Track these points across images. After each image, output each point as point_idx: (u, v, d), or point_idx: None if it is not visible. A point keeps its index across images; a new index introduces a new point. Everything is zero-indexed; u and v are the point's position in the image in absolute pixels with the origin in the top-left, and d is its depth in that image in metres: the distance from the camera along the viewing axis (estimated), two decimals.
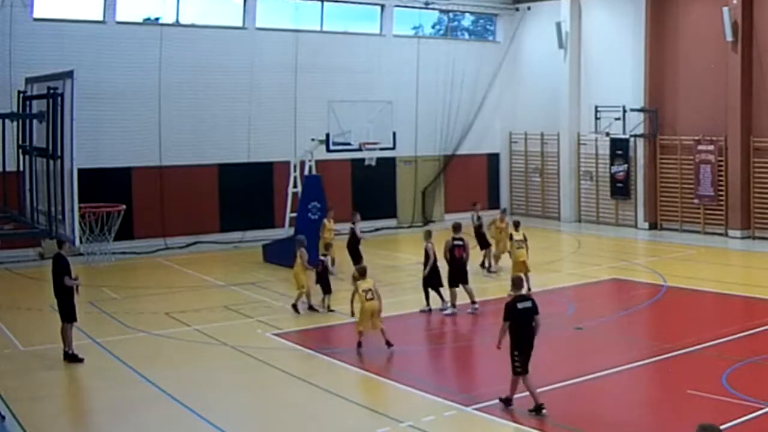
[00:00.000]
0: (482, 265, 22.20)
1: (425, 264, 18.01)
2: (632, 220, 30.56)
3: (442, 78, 32.39)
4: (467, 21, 35.63)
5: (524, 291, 12.23)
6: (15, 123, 12.79)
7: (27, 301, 19.53)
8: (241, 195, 28.17)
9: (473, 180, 34.07)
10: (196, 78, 27.44)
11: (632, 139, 30.00)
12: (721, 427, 10.58)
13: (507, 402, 11.86)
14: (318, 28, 30.51)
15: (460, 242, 18.24)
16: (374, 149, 24.34)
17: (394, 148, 25.30)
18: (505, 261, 21.24)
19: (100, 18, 26.16)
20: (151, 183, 26.84)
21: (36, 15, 24.80)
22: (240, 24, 28.94)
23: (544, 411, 11.56)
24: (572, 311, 18.00)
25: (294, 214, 24.14)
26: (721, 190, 27.66)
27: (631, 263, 24.18)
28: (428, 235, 18.48)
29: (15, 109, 14.51)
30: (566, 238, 29.54)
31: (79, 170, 10.33)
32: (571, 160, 32.36)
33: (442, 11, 33.61)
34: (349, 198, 30.00)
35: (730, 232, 27.46)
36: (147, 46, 26.55)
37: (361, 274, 15.57)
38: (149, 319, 17.63)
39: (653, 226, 29.81)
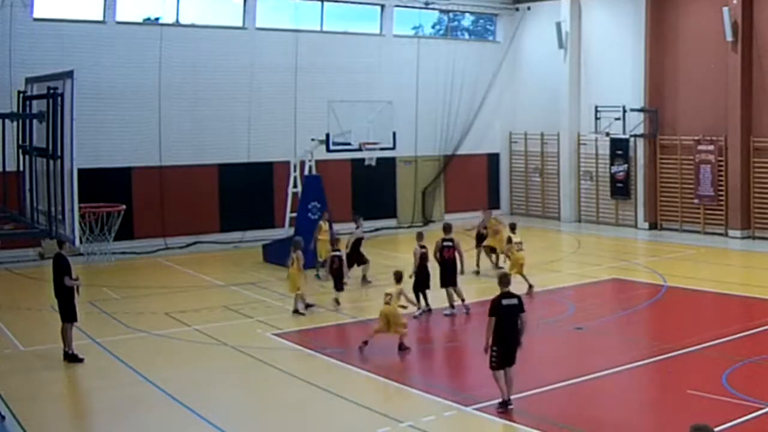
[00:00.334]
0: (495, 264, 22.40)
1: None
2: (632, 220, 30.56)
3: (442, 78, 32.39)
4: (467, 21, 35.64)
5: (511, 288, 12.28)
6: (15, 123, 12.79)
7: (27, 301, 19.53)
8: (241, 195, 28.17)
9: (473, 180, 34.08)
10: (196, 78, 27.45)
11: (632, 139, 30.00)
12: (721, 427, 10.67)
13: (506, 402, 11.86)
14: (318, 28, 30.51)
15: (450, 243, 18.26)
16: (374, 149, 24.34)
17: (394, 148, 25.30)
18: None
19: (100, 18, 26.17)
20: (151, 183, 26.84)
21: (36, 15, 24.80)
22: (240, 24, 28.94)
23: (510, 407, 11.69)
24: (572, 311, 18.00)
25: (294, 214, 24.15)
26: (721, 190, 27.66)
27: (631, 263, 24.18)
28: (419, 237, 18.45)
29: (15, 109, 14.51)
30: (566, 238, 29.54)
31: (79, 170, 10.32)
32: (571, 160, 32.36)
33: (442, 11, 33.61)
34: (349, 198, 30.02)
35: (730, 232, 27.46)
36: (147, 46, 26.56)
37: (398, 279, 15.62)
38: (149, 319, 17.63)
39: (653, 226, 29.81)
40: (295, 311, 17.92)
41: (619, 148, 30.51)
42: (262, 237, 26.46)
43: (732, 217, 27.42)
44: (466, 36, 35.66)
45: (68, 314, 14.58)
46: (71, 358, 14.50)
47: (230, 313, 18.20)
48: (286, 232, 24.30)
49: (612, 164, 30.95)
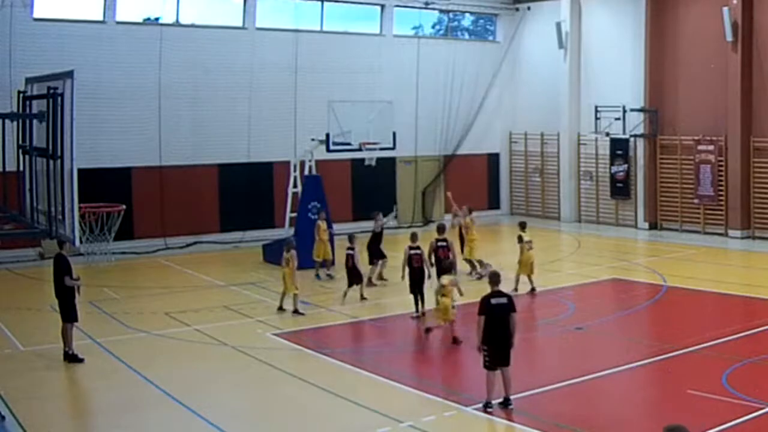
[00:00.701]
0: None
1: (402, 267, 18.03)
2: (632, 220, 30.56)
3: (442, 78, 32.39)
4: (467, 21, 35.64)
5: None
6: (15, 123, 12.79)
7: (27, 301, 19.53)
8: (241, 195, 28.18)
9: (473, 180, 34.07)
10: (196, 78, 27.45)
11: (632, 139, 30.00)
12: (721, 427, 10.68)
13: (506, 402, 11.86)
14: (318, 28, 30.52)
15: (444, 243, 18.29)
16: (374, 149, 24.33)
17: (394, 148, 25.29)
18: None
19: (100, 18, 26.18)
20: (151, 183, 26.84)
21: (36, 15, 24.81)
22: (240, 24, 28.94)
23: (489, 410, 11.72)
24: (572, 311, 18.00)
25: (294, 214, 24.16)
26: (721, 190, 27.66)
27: (631, 263, 24.18)
28: (413, 237, 18.36)
29: (15, 109, 14.52)
30: (566, 238, 29.53)
31: (79, 170, 10.34)
32: (571, 160, 32.36)
33: (442, 11, 33.62)
34: (349, 198, 30.03)
35: (730, 232, 27.47)
36: (147, 46, 26.56)
37: (448, 270, 16.00)
38: (149, 319, 17.63)
39: (653, 226, 29.81)
40: (295, 311, 17.92)
41: (619, 148, 30.51)
42: (262, 237, 26.46)
43: (732, 217, 27.42)
44: (466, 36, 35.67)
45: (69, 314, 14.59)
46: (71, 358, 14.50)
47: (230, 313, 18.20)
48: (286, 232, 24.30)
49: (612, 164, 30.95)
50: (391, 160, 30.39)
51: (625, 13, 30.37)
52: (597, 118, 29.98)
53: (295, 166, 24.93)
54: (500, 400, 11.88)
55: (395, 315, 18.26)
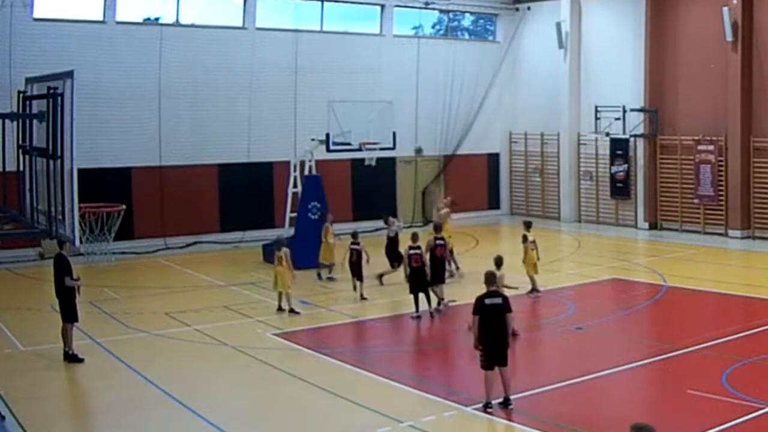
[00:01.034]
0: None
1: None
2: (632, 220, 30.56)
3: (442, 78, 32.39)
4: (467, 21, 35.64)
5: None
6: (15, 123, 12.79)
7: (27, 301, 19.53)
8: (241, 195, 28.17)
9: (473, 180, 34.09)
10: (196, 78, 27.45)
11: (632, 139, 30.00)
12: (721, 427, 10.68)
13: (506, 402, 11.86)
14: (318, 28, 30.51)
15: (441, 242, 18.33)
16: (374, 149, 24.33)
17: (394, 148, 25.28)
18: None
19: (100, 18, 26.18)
20: (151, 183, 26.84)
21: (36, 15, 24.81)
22: (240, 24, 28.94)
23: (489, 410, 11.72)
24: (572, 311, 17.99)
25: (294, 214, 24.15)
26: (721, 190, 27.66)
27: (631, 263, 24.18)
28: (414, 238, 18.33)
29: (15, 109, 14.52)
30: (566, 238, 29.53)
31: (79, 170, 10.33)
32: (571, 160, 32.36)
33: (442, 11, 33.62)
34: (349, 198, 30.03)
35: (730, 232, 27.47)
36: (147, 46, 26.56)
37: (498, 264, 16.11)
38: (149, 319, 17.63)
39: (653, 226, 29.81)
40: (291, 310, 17.93)
41: (619, 148, 30.50)
42: (262, 237, 26.45)
43: (732, 217, 27.42)
44: (466, 36, 35.67)
45: (69, 314, 14.58)
46: (71, 358, 14.50)
47: (230, 313, 18.20)
48: (286, 232, 24.30)
49: (612, 164, 30.95)
50: (391, 160, 30.39)
51: (625, 13, 30.37)
52: (597, 118, 29.98)
53: (295, 166, 24.93)
54: (500, 400, 11.88)
55: (395, 315, 18.26)
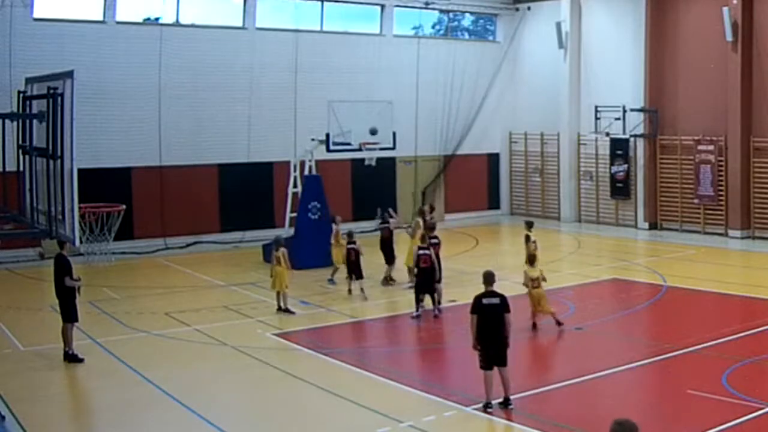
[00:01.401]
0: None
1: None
2: (632, 220, 30.56)
3: (442, 78, 32.39)
4: (467, 21, 35.64)
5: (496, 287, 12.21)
6: (15, 123, 12.80)
7: (27, 301, 19.53)
8: (241, 195, 28.17)
9: (473, 180, 34.10)
10: (196, 78, 27.45)
11: (632, 139, 30.00)
12: (721, 427, 10.68)
13: (506, 402, 11.86)
14: (318, 28, 30.52)
15: (436, 240, 18.43)
16: (374, 149, 24.33)
17: (394, 148, 25.28)
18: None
19: (100, 18, 26.18)
20: (151, 183, 26.84)
21: (36, 15, 24.81)
22: (240, 24, 28.94)
23: (489, 410, 11.71)
24: (572, 311, 17.98)
25: (294, 214, 24.15)
26: (721, 190, 27.66)
27: (631, 263, 24.17)
28: (423, 238, 18.39)
29: (15, 109, 14.54)
30: (566, 238, 29.53)
31: (79, 170, 10.35)
32: (571, 160, 32.36)
33: (442, 11, 33.62)
34: (349, 198, 30.03)
35: (730, 232, 27.47)
36: (147, 46, 26.56)
37: (531, 262, 16.63)
38: (149, 319, 17.63)
39: (653, 226, 29.81)
40: (286, 309, 17.94)
41: (619, 148, 30.51)
42: (262, 237, 26.45)
43: (732, 217, 27.42)
44: (466, 36, 35.67)
45: (69, 314, 14.58)
46: (71, 358, 14.50)
47: (230, 313, 18.20)
48: (286, 232, 24.30)
49: (612, 164, 30.95)
50: (391, 160, 30.39)
51: (625, 13, 30.37)
52: (597, 118, 29.98)
53: (295, 166, 24.92)
54: (500, 400, 11.87)
55: (395, 315, 18.27)
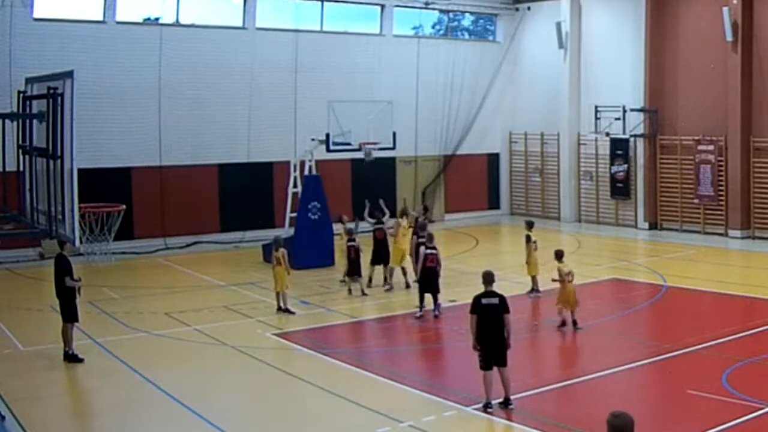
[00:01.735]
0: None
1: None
2: (632, 220, 30.56)
3: (442, 78, 32.40)
4: (467, 21, 35.64)
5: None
6: (15, 123, 12.80)
7: (27, 301, 19.53)
8: (241, 195, 28.17)
9: (473, 180, 34.10)
10: (196, 78, 27.45)
11: (632, 139, 30.00)
12: (721, 427, 10.68)
13: (506, 402, 11.86)
14: (318, 28, 30.52)
15: (424, 239, 18.36)
16: (374, 149, 24.33)
17: (394, 148, 25.29)
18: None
19: (100, 18, 26.18)
20: (151, 183, 26.84)
21: (36, 15, 24.81)
22: (240, 24, 28.95)
23: (489, 410, 11.71)
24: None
25: (294, 214, 24.15)
26: (721, 190, 27.66)
27: (631, 263, 24.17)
28: (430, 238, 18.30)
29: (15, 109, 14.53)
30: (566, 238, 29.50)
31: (79, 170, 10.34)
32: (571, 160, 32.36)
33: (442, 11, 33.62)
34: (349, 198, 30.01)
35: (730, 232, 27.46)
36: (147, 46, 26.56)
37: (559, 257, 16.64)
38: (149, 319, 17.63)
39: (653, 226, 29.80)
40: (285, 310, 17.94)
41: (619, 148, 30.50)
42: (262, 237, 26.44)
43: (732, 217, 27.41)
44: (466, 36, 35.67)
45: (69, 315, 14.58)
46: (71, 358, 14.50)
47: (230, 313, 18.20)
48: (286, 232, 24.29)
49: (612, 164, 30.95)
50: (391, 160, 30.38)
51: (625, 13, 30.37)
52: (597, 118, 29.97)
53: (295, 166, 24.91)
54: (500, 400, 11.87)
55: (395, 315, 18.27)
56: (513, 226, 32.42)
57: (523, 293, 19.13)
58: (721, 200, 27.72)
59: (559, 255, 16.73)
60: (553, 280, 16.64)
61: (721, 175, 27.66)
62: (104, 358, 14.91)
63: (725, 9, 26.44)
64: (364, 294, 19.56)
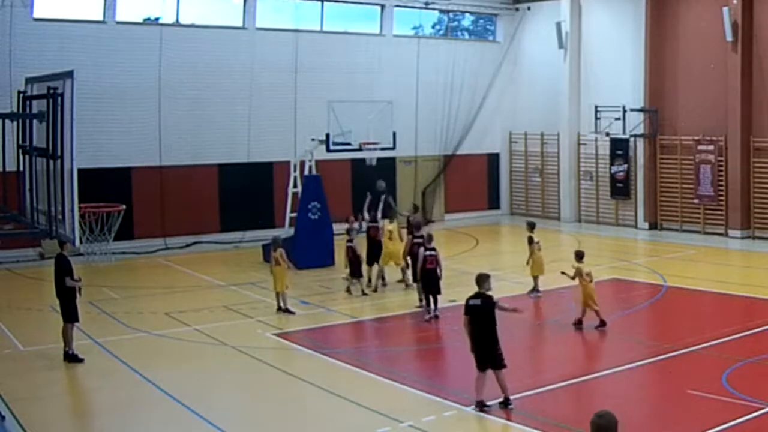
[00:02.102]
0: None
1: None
2: (632, 220, 30.56)
3: (442, 78, 32.38)
4: (467, 21, 35.64)
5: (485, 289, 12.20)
6: (15, 123, 12.80)
7: (27, 301, 19.53)
8: (241, 195, 28.16)
9: (473, 180, 34.09)
10: (196, 78, 27.45)
11: (632, 139, 30.00)
12: (721, 427, 10.68)
13: (506, 402, 11.86)
14: (318, 28, 30.52)
15: (420, 240, 18.31)
16: (374, 149, 24.33)
17: (394, 148, 25.28)
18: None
19: (100, 18, 26.18)
20: (151, 183, 26.84)
21: (36, 15, 24.81)
22: (240, 24, 28.94)
23: (486, 408, 11.74)
24: (572, 311, 17.96)
25: (294, 214, 24.14)
26: (721, 190, 27.66)
27: (631, 263, 24.17)
28: (429, 239, 18.19)
29: (15, 109, 14.53)
30: (566, 238, 29.50)
31: (79, 170, 10.34)
32: (571, 160, 32.36)
33: (442, 11, 33.62)
34: (349, 198, 29.99)
35: (730, 232, 27.46)
36: (147, 46, 26.56)
37: (580, 257, 16.64)
38: (149, 319, 17.63)
39: (653, 226, 29.80)
40: (286, 310, 17.94)
41: (619, 148, 30.50)
42: (262, 237, 26.42)
43: (732, 217, 27.41)
44: (466, 36, 35.67)
45: (69, 315, 14.58)
46: (71, 358, 14.50)
47: (230, 313, 18.20)
48: (286, 232, 24.29)
49: (612, 164, 30.95)
50: (391, 160, 30.38)
51: (625, 13, 30.37)
52: (597, 118, 29.97)
53: (295, 166, 24.91)
54: (500, 400, 11.87)
55: (395, 315, 18.26)
56: (513, 226, 32.43)
57: (523, 293, 19.14)
58: (721, 200, 27.72)
59: (579, 255, 16.76)
60: (563, 273, 16.68)
61: (721, 175, 27.66)
62: (104, 358, 14.91)
63: (725, 9, 26.43)
64: (364, 294, 19.58)
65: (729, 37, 26.61)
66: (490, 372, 11.88)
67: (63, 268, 14.57)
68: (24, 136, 12.30)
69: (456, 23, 35.02)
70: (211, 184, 28.16)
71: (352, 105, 24.94)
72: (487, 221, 33.41)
